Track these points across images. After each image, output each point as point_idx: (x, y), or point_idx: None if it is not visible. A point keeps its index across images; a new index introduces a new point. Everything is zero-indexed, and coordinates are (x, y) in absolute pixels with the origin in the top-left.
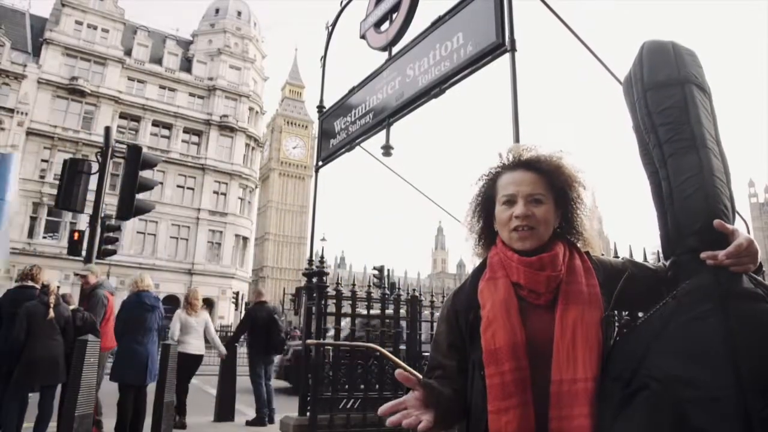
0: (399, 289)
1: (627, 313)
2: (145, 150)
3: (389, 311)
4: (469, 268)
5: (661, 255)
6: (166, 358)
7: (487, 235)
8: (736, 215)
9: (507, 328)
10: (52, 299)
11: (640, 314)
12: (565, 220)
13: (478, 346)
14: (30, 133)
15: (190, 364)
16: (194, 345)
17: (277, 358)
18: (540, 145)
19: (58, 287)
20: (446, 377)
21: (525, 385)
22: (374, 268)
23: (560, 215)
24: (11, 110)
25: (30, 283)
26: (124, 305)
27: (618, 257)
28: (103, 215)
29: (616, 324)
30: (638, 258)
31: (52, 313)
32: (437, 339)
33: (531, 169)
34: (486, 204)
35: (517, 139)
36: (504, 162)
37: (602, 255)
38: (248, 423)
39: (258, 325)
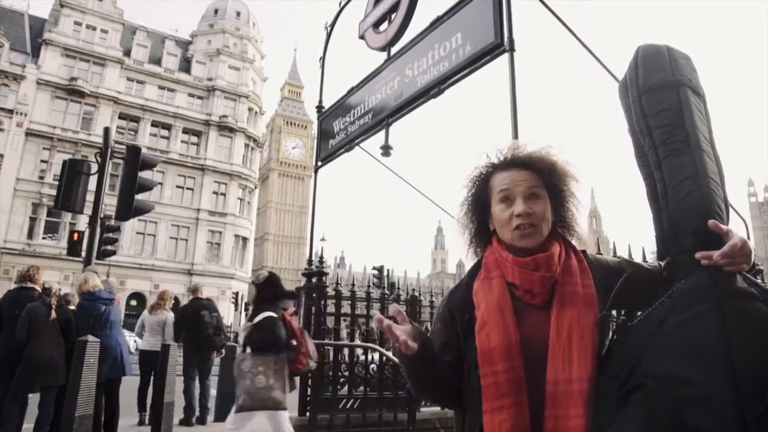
0: (398, 289)
1: (623, 312)
2: (144, 150)
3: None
4: (469, 268)
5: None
6: (165, 357)
7: (482, 236)
8: (736, 214)
9: (501, 328)
10: (54, 301)
11: (639, 313)
12: (558, 215)
13: (473, 347)
14: (29, 133)
15: (144, 359)
16: (148, 342)
17: None
18: (530, 142)
19: (60, 290)
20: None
21: (519, 385)
22: (374, 268)
23: (554, 211)
24: (10, 111)
25: (29, 285)
26: (79, 308)
27: (617, 257)
28: (102, 216)
29: (613, 323)
30: (638, 258)
31: (54, 315)
32: (432, 337)
33: (524, 166)
34: (479, 204)
35: (515, 139)
36: (495, 161)
37: (600, 254)
38: (180, 422)
39: (187, 323)
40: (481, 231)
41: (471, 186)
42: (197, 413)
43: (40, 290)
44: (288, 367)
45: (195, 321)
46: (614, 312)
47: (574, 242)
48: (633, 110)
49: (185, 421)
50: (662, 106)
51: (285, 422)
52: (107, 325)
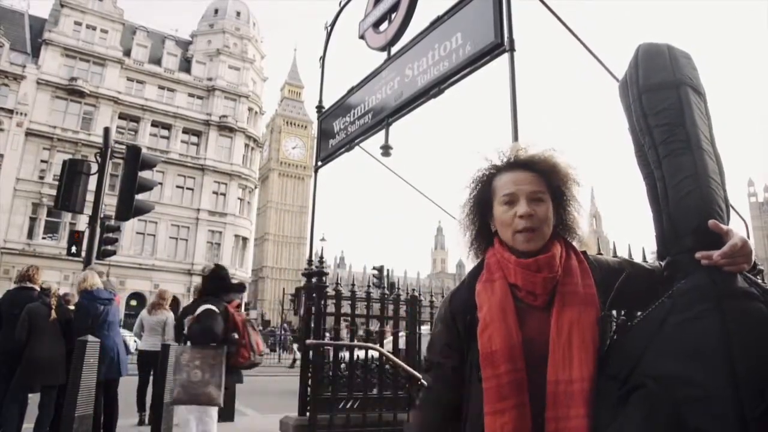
0: (398, 289)
1: (623, 312)
2: (144, 150)
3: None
4: (469, 268)
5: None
6: (165, 357)
7: (484, 237)
8: (736, 214)
9: (503, 330)
10: (53, 301)
11: (639, 313)
12: (559, 217)
13: (476, 348)
14: (29, 133)
15: (143, 359)
16: (148, 342)
17: None
18: (532, 144)
19: (59, 289)
20: (443, 378)
21: (521, 387)
22: (374, 268)
23: (555, 213)
24: (10, 111)
25: (29, 285)
26: (77, 307)
27: (617, 257)
28: (102, 216)
29: (613, 323)
30: (638, 258)
31: (54, 315)
32: (433, 339)
33: (528, 168)
34: (481, 205)
35: (515, 139)
36: (498, 163)
37: (600, 254)
38: None
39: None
40: (483, 232)
41: (473, 187)
42: None
43: (39, 290)
44: (230, 360)
45: None
46: (614, 312)
47: (574, 243)
48: (633, 109)
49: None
50: (663, 105)
51: (211, 422)
52: (105, 326)
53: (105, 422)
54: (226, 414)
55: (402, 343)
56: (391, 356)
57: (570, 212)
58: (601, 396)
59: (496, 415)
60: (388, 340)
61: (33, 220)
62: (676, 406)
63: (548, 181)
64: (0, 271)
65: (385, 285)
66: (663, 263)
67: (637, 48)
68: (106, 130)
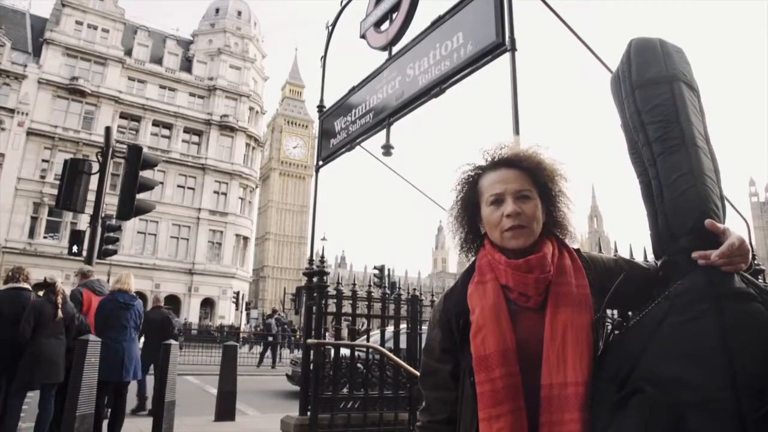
0: (399, 288)
1: (617, 313)
2: (145, 150)
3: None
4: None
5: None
6: (166, 357)
7: (473, 239)
8: (737, 214)
9: (497, 333)
10: (59, 299)
11: (631, 314)
12: (549, 215)
13: (469, 352)
14: (30, 133)
15: None
16: None
17: None
18: (516, 142)
19: (62, 288)
20: (442, 385)
21: (517, 391)
22: (375, 268)
23: (545, 211)
24: (12, 110)
25: (25, 285)
26: (99, 305)
27: (615, 255)
28: (103, 215)
29: (608, 324)
30: (638, 258)
31: (60, 314)
32: (431, 344)
33: (513, 166)
34: (469, 207)
35: (516, 137)
36: (482, 163)
37: (601, 253)
38: (133, 411)
39: (153, 327)
40: (472, 234)
41: (460, 189)
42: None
43: (45, 286)
44: None
45: (163, 324)
46: (609, 312)
47: (567, 241)
48: (626, 105)
49: (139, 408)
50: (656, 101)
51: None
52: (115, 329)
53: (109, 423)
54: (227, 414)
55: (403, 342)
56: (392, 356)
57: (559, 208)
58: (598, 399)
59: (491, 421)
60: (375, 332)
61: (34, 219)
62: (675, 409)
63: (535, 178)
64: (1, 271)
65: (386, 284)
66: (658, 263)
67: (629, 43)
68: (108, 130)
